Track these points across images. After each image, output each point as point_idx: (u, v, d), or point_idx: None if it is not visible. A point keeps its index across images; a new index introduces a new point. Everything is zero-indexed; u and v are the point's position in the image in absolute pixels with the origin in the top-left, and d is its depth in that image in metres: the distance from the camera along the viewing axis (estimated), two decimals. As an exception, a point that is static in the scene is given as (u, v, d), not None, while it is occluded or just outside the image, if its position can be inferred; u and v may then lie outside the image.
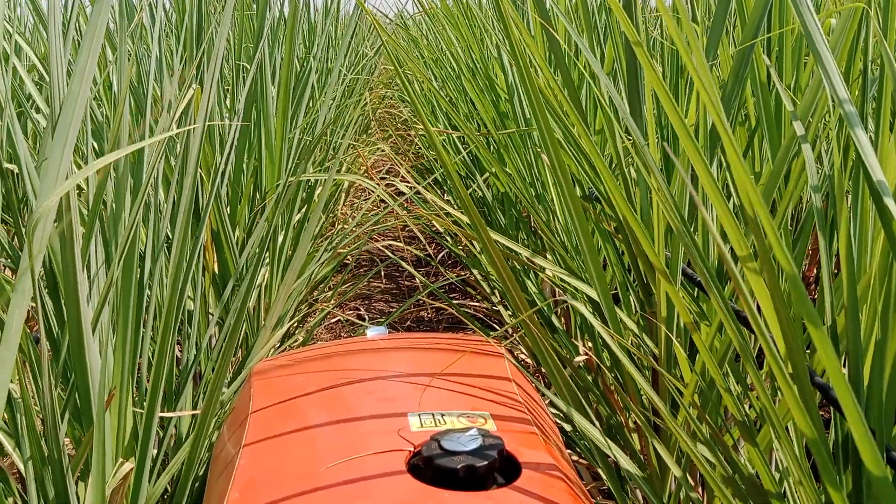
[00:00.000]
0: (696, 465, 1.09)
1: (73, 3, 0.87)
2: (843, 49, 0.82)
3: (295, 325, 1.79)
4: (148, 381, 0.93)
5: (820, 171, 1.10)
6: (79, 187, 1.05)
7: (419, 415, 0.64)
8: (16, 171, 0.84)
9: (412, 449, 0.59)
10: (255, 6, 1.56)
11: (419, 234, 2.33)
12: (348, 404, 0.69)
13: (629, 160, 1.25)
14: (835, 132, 0.96)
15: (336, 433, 0.63)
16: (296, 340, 1.73)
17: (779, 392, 1.03)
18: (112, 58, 1.29)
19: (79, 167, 0.90)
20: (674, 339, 0.99)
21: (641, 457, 1.09)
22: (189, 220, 0.79)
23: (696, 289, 1.04)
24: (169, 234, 0.92)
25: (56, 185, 0.50)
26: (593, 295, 1.09)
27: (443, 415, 0.64)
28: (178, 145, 1.14)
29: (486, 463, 0.55)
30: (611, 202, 1.12)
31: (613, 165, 1.28)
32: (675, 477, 1.05)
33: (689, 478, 1.06)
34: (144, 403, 0.75)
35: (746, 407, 0.98)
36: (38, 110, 1.23)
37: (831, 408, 0.79)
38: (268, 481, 0.57)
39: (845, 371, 0.74)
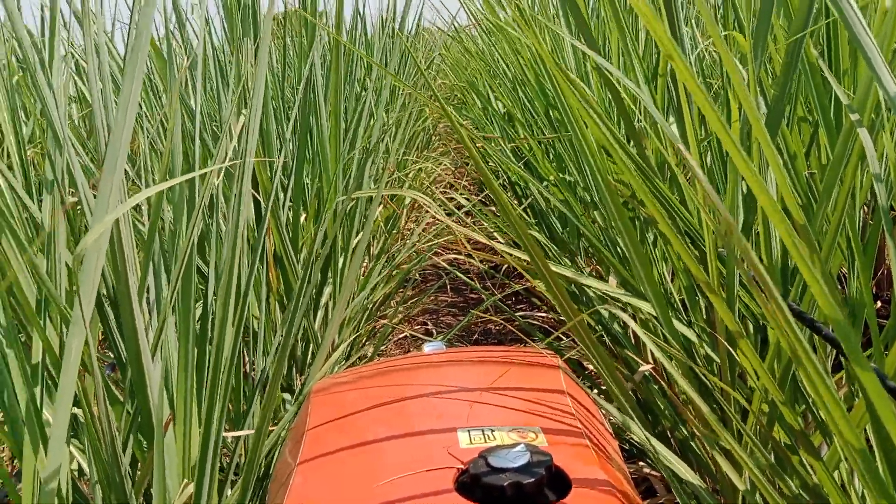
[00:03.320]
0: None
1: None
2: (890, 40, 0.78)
3: (364, 340, 1.82)
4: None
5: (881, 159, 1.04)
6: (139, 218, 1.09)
7: (469, 431, 0.64)
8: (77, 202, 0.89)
9: (461, 466, 0.59)
10: (304, 32, 1.60)
11: (487, 244, 2.33)
12: (401, 421, 0.69)
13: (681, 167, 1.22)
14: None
15: (387, 451, 0.64)
16: (364, 356, 1.75)
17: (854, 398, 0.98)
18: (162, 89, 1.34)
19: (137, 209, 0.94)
20: (734, 352, 0.95)
21: (713, 468, 1.06)
22: (239, 242, 0.81)
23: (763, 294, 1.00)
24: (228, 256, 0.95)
25: (108, 211, 0.52)
26: (649, 309, 1.07)
27: (493, 430, 0.64)
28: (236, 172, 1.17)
29: (533, 480, 0.54)
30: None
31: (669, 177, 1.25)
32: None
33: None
34: (204, 425, 0.77)
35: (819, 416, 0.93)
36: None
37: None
38: (319, 500, 0.58)
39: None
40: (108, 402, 0.61)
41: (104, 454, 0.61)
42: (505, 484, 0.54)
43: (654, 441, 0.85)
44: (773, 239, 0.99)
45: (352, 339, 1.41)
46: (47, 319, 0.76)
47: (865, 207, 1.40)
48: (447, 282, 2.74)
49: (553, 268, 0.91)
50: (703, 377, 1.03)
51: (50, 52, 0.75)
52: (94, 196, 0.77)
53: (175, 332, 0.84)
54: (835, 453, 0.74)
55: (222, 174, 0.85)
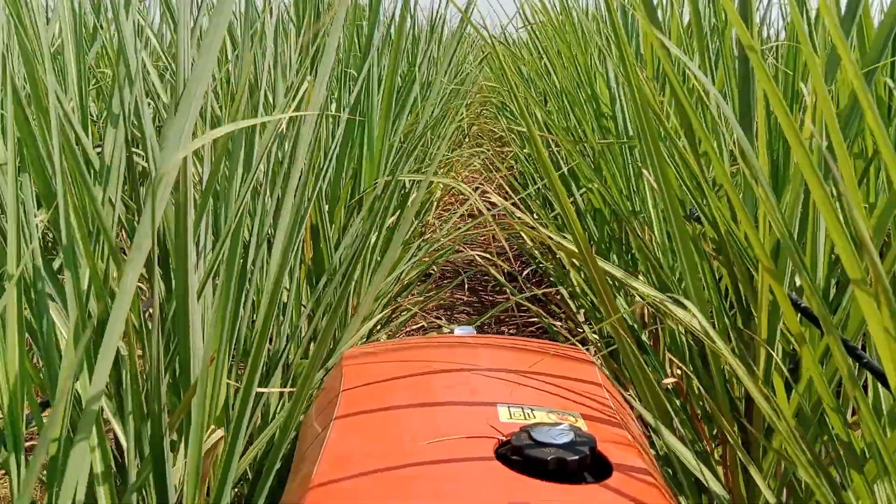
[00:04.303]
0: (787, 496, 1.03)
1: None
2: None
3: (378, 326, 1.82)
4: (244, 357, 0.96)
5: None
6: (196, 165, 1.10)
7: (509, 407, 0.63)
8: (141, 156, 0.89)
9: (502, 438, 0.58)
10: (365, 18, 1.61)
11: (508, 249, 2.32)
12: (437, 392, 0.69)
13: (737, 181, 1.21)
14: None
15: (425, 416, 0.64)
16: (378, 340, 1.75)
17: (886, 427, 0.97)
18: (231, 56, 1.35)
19: (198, 153, 0.94)
20: (777, 358, 0.94)
21: (728, 489, 1.04)
22: (298, 209, 0.82)
23: (800, 314, 0.99)
24: (271, 227, 0.95)
25: (180, 143, 0.53)
26: (686, 318, 1.06)
27: (532, 409, 0.64)
28: (287, 144, 1.18)
29: (577, 458, 0.54)
30: (713, 222, 1.09)
31: (718, 189, 1.25)
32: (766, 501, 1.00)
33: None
34: (241, 376, 0.77)
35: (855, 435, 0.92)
36: (161, 102, 1.30)
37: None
38: (357, 455, 0.58)
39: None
40: (158, 336, 0.61)
41: (150, 388, 0.61)
42: (549, 458, 0.53)
43: (682, 448, 0.84)
44: (819, 256, 0.98)
45: (382, 313, 1.41)
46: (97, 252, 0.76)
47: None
48: (465, 280, 2.73)
49: (600, 263, 0.91)
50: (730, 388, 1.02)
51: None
52: (158, 138, 0.77)
53: (215, 280, 0.84)
54: (873, 468, 0.73)
55: (282, 127, 0.85)
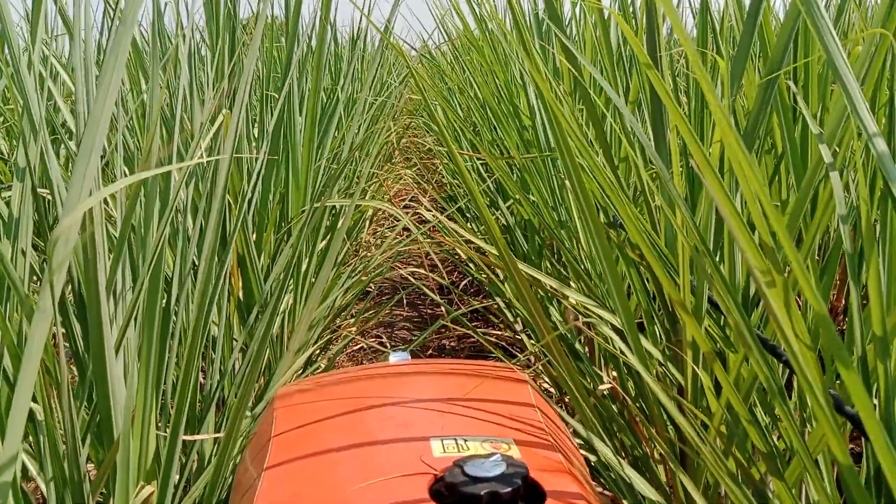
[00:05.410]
0: (724, 498, 1.06)
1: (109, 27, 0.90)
2: (870, 77, 0.82)
3: (318, 351, 1.80)
4: (172, 405, 0.94)
5: (847, 199, 1.09)
6: (108, 212, 1.06)
7: (441, 440, 0.63)
8: (48, 196, 0.86)
9: (435, 474, 0.58)
10: (283, 38, 1.59)
11: (439, 264, 2.33)
12: (370, 429, 0.69)
13: (653, 189, 1.25)
14: (860, 160, 0.95)
15: (358, 457, 0.63)
16: (318, 367, 1.73)
17: (808, 424, 1.01)
18: (145, 87, 1.32)
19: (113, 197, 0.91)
20: (699, 371, 0.97)
21: (668, 489, 1.07)
22: (216, 245, 0.80)
23: (723, 316, 1.03)
24: (195, 259, 0.93)
25: (80, 200, 0.51)
26: (616, 323, 1.08)
27: (466, 440, 0.64)
28: (208, 171, 1.15)
29: (510, 489, 0.54)
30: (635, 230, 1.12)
31: (638, 193, 1.28)
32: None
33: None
34: (168, 427, 0.75)
35: (775, 438, 0.96)
36: (72, 137, 1.26)
37: (863, 441, 0.77)
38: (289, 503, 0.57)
39: (876, 402, 0.73)
40: (71, 395, 0.58)
41: (69, 452, 0.58)
42: (482, 493, 0.54)
43: (620, 460, 0.86)
44: (737, 264, 1.02)
45: (314, 346, 1.39)
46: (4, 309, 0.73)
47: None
48: (404, 297, 2.73)
49: (530, 272, 0.92)
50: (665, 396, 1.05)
51: (32, 33, 0.73)
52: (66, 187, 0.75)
53: (135, 330, 0.82)
54: (796, 468, 0.76)
55: (191, 174, 0.84)
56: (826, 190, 0.90)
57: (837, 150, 0.91)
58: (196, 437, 0.85)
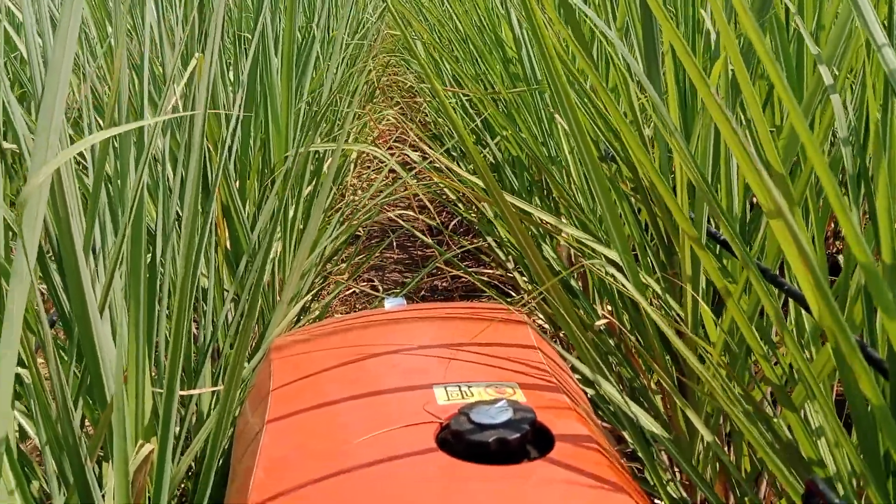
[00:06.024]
0: (725, 425, 1.07)
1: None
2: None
3: (310, 298, 1.78)
4: (166, 359, 0.92)
5: (847, 120, 1.06)
6: (82, 163, 1.02)
7: (445, 387, 0.62)
8: (16, 149, 0.82)
9: (441, 422, 0.57)
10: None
11: (428, 204, 2.30)
12: (371, 378, 0.67)
13: (645, 117, 1.22)
14: (870, 74, 0.91)
15: (360, 408, 0.62)
16: (311, 314, 1.71)
17: (805, 351, 1.01)
18: (111, 30, 1.26)
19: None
20: (700, 300, 0.96)
21: (667, 418, 1.07)
22: (198, 195, 0.77)
23: (719, 247, 1.01)
24: (178, 210, 0.90)
25: (48, 156, 0.48)
26: (613, 256, 1.07)
27: (469, 386, 0.62)
28: (185, 118, 1.11)
29: (518, 435, 0.53)
30: (628, 162, 1.09)
31: (629, 122, 1.25)
32: (702, 438, 1.03)
33: (716, 440, 1.04)
34: (164, 383, 0.74)
35: (773, 365, 0.96)
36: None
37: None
38: (293, 459, 0.56)
39: None
40: (57, 359, 0.56)
41: (55, 414, 0.56)
42: (490, 440, 0.52)
43: (623, 397, 0.85)
44: (734, 192, 1.00)
45: (308, 294, 1.37)
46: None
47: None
48: (394, 240, 2.70)
49: (508, 199, 0.90)
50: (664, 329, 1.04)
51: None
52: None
53: (122, 288, 0.79)
54: (800, 393, 0.75)
55: (168, 122, 0.80)
56: (826, 113, 0.88)
57: (837, 72, 0.88)
58: (193, 391, 0.84)
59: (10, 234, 0.86)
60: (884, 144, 0.63)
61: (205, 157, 1.30)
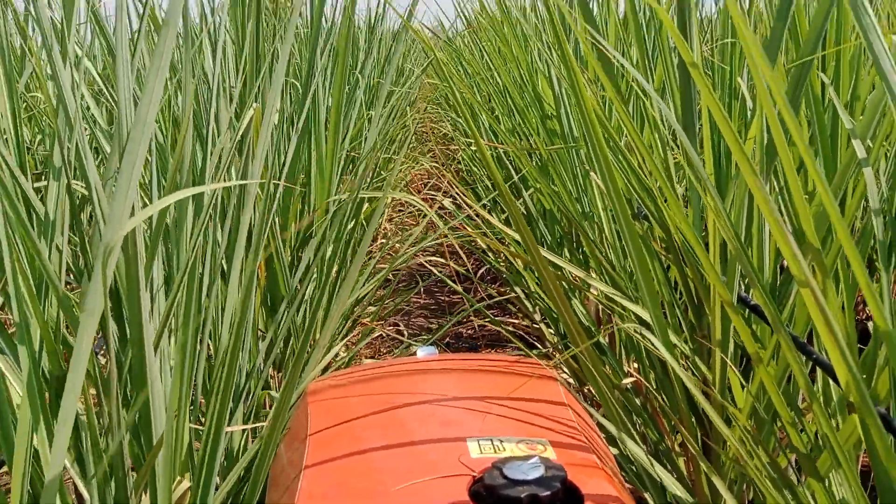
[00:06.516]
0: (748, 491, 1.07)
1: (139, 26, 0.90)
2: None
3: (342, 344, 1.81)
4: (204, 399, 0.95)
5: (879, 191, 1.08)
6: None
7: (478, 440, 0.64)
8: (83, 190, 0.87)
9: (474, 475, 0.59)
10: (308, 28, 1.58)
11: (459, 250, 2.33)
12: (406, 428, 0.69)
13: (679, 177, 1.24)
14: (893, 154, 0.93)
15: (397, 456, 0.64)
16: (337, 355, 1.74)
17: (833, 420, 1.01)
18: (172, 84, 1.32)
19: (143, 190, 0.92)
20: (729, 363, 0.97)
21: (690, 482, 1.07)
22: (258, 237, 0.81)
23: (749, 312, 1.02)
24: (224, 263, 0.93)
25: (124, 215, 0.51)
26: (643, 314, 1.08)
27: (501, 441, 0.64)
28: (237, 167, 1.16)
29: (549, 493, 0.55)
30: (661, 221, 1.12)
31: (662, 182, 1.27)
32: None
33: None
34: (204, 419, 0.76)
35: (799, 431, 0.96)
36: (100, 129, 1.27)
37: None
38: (332, 502, 0.58)
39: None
40: (118, 396, 0.59)
41: (112, 449, 0.59)
42: (522, 496, 0.54)
43: (650, 459, 0.86)
44: (765, 257, 1.01)
45: (341, 338, 1.40)
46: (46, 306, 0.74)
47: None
48: (420, 284, 2.73)
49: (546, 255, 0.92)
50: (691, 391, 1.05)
51: (67, 22, 0.74)
52: (103, 183, 0.75)
53: (170, 331, 0.83)
54: (825, 461, 0.76)
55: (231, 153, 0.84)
56: (859, 185, 0.90)
57: (871, 144, 0.90)
58: (237, 427, 0.86)
59: (70, 272, 0.91)
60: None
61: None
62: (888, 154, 1.14)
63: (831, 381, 0.97)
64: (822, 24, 0.93)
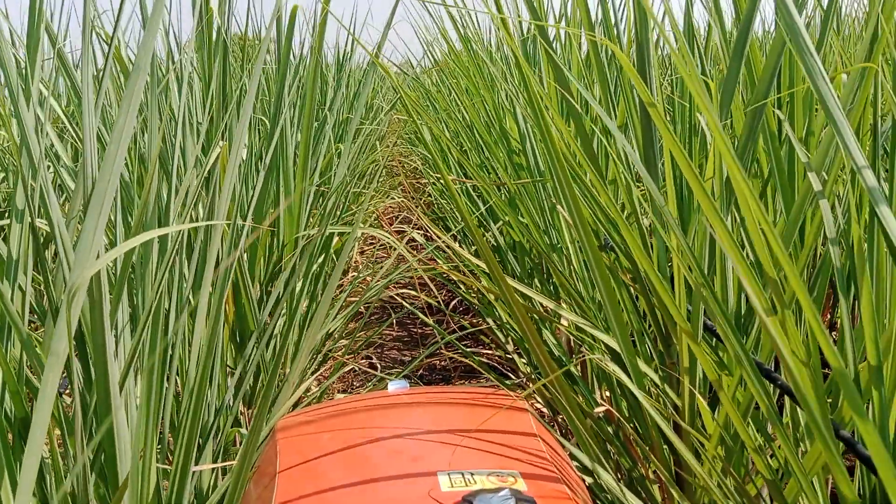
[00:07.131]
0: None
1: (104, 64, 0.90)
2: (857, 108, 0.84)
3: (308, 377, 1.79)
4: (172, 437, 0.93)
5: (835, 222, 1.11)
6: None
7: (449, 474, 0.64)
8: (47, 227, 0.86)
9: (444, 510, 0.59)
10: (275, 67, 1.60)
11: (429, 282, 2.34)
12: (377, 464, 0.69)
13: (643, 210, 1.26)
14: (848, 185, 0.97)
15: (366, 493, 0.63)
16: (308, 390, 1.72)
17: (800, 444, 1.02)
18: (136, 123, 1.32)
19: (109, 230, 0.92)
20: (696, 393, 0.98)
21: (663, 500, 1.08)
22: (223, 277, 0.81)
23: (715, 339, 1.04)
24: (191, 297, 0.93)
25: (90, 258, 0.51)
26: (613, 344, 1.10)
27: (472, 474, 0.64)
28: (202, 204, 1.16)
29: (519, 525, 0.55)
30: (627, 253, 1.13)
31: (627, 215, 1.30)
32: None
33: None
34: (171, 458, 0.75)
35: (769, 457, 0.97)
36: (64, 166, 1.26)
37: (857, 462, 0.79)
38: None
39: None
40: (83, 438, 0.59)
41: (78, 491, 0.58)
42: (493, 529, 0.54)
43: (621, 487, 0.87)
44: (729, 287, 1.03)
45: (310, 377, 1.39)
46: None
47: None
48: (393, 316, 2.73)
49: (514, 285, 0.93)
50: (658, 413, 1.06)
51: (31, 63, 0.74)
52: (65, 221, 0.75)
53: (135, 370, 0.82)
54: (793, 488, 0.77)
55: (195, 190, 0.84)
56: (817, 215, 0.93)
57: (826, 176, 0.93)
58: (206, 466, 0.85)
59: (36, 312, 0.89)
60: (869, 260, 0.67)
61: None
62: (844, 181, 1.17)
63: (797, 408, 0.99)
64: (776, 63, 0.97)
